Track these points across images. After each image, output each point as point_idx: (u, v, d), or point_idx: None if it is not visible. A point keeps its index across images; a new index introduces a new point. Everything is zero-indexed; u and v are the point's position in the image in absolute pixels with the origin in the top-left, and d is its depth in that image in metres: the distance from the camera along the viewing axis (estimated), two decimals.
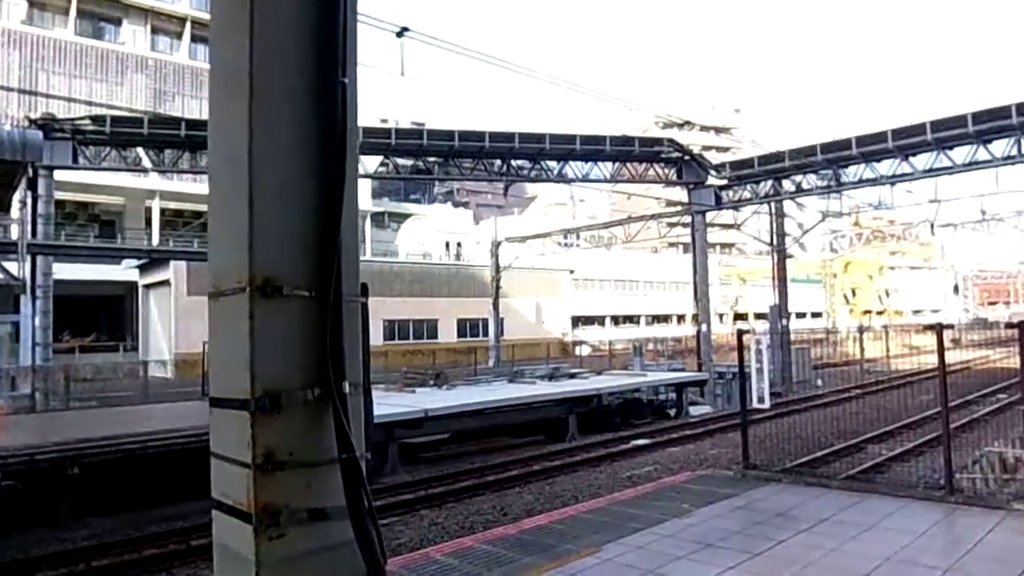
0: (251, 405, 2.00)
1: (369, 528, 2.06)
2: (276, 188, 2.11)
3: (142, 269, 38.16)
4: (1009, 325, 8.19)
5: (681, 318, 55.70)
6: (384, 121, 64.09)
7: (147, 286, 39.30)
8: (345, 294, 2.16)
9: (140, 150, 21.09)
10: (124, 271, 38.74)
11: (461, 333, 46.87)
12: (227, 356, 2.16)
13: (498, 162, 24.09)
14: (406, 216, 65.29)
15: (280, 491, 2.03)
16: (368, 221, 59.15)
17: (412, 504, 11.40)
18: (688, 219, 27.65)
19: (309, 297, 2.12)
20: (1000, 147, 19.50)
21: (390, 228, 63.04)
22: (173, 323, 34.80)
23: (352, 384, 2.15)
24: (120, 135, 20.24)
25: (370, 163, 23.75)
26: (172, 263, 34.50)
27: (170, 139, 20.47)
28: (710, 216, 28.04)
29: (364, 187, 56.84)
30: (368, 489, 2.10)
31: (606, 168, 25.22)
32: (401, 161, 24.10)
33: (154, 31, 46.85)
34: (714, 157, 31.63)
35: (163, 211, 45.24)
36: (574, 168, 24.86)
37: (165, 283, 36.11)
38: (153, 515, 10.56)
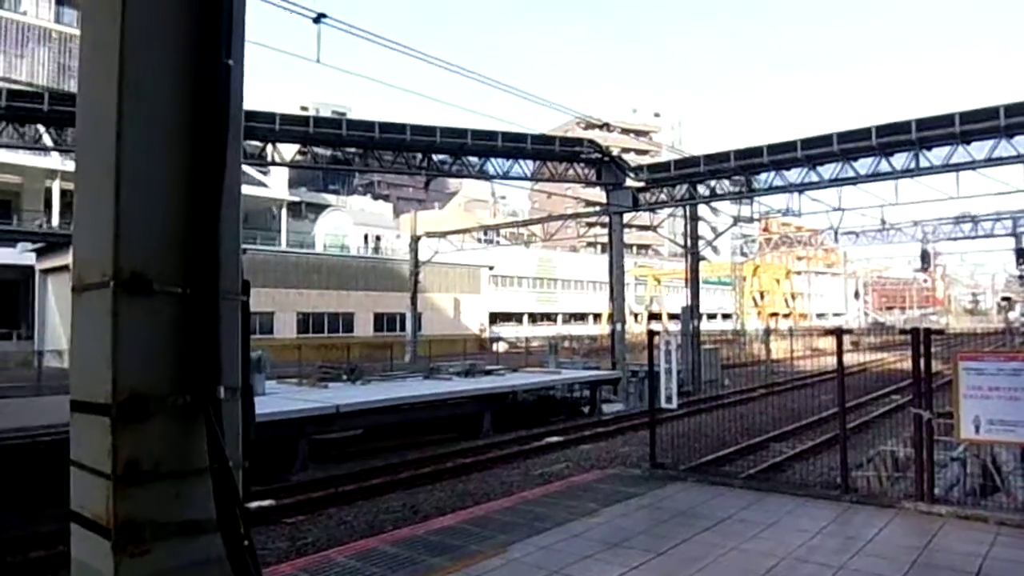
0: (112, 410, 1.84)
1: (242, 542, 1.92)
2: (147, 175, 1.93)
3: (40, 253, 36.21)
4: (903, 331, 8.55)
5: (597, 317, 56.50)
6: (304, 109, 62.67)
7: (45, 271, 37.33)
8: (223, 291, 2.00)
9: (40, 127, 19.92)
10: (20, 255, 36.62)
11: (378, 327, 46.30)
12: (89, 356, 1.96)
13: (419, 156, 23.78)
14: (324, 207, 64.11)
15: (144, 504, 1.87)
16: (284, 211, 57.76)
17: (320, 502, 11.12)
18: (606, 219, 28.03)
19: (182, 294, 1.95)
20: (900, 160, 20.45)
21: (307, 219, 61.72)
22: None
23: (229, 388, 2.00)
24: (18, 110, 18.98)
25: (287, 151, 23.10)
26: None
27: (73, 117, 19.33)
28: (627, 217, 28.53)
29: (281, 176, 55.50)
30: (241, 501, 1.96)
31: (527, 166, 25.30)
32: (320, 151, 23.52)
33: (59, 1, 44.27)
34: (633, 160, 32.18)
35: (65, 192, 42.95)
36: (495, 165, 24.84)
37: (65, 268, 34.34)
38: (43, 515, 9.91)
